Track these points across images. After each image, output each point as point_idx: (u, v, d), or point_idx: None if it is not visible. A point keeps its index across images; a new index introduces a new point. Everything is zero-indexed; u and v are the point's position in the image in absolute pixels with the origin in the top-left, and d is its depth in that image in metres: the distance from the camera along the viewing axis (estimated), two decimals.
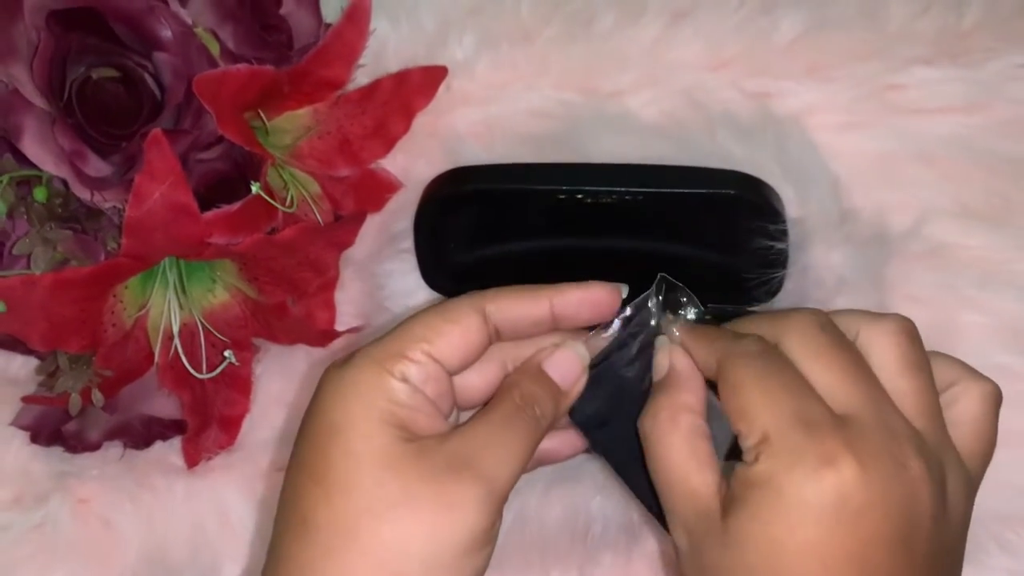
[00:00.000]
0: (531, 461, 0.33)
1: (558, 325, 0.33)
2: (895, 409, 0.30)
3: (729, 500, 0.29)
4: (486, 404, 0.33)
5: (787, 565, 0.28)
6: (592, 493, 0.42)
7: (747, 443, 0.29)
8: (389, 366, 0.31)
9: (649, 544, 0.42)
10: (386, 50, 0.48)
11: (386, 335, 0.32)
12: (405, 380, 0.31)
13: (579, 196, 0.40)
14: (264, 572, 0.31)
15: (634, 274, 0.44)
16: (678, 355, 0.33)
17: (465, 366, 0.33)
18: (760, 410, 0.29)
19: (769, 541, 0.28)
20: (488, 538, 0.30)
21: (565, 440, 0.36)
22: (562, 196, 0.41)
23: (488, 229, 0.44)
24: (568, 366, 0.33)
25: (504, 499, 0.30)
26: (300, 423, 0.32)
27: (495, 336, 0.33)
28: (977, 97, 0.46)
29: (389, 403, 0.30)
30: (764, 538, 0.28)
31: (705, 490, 0.30)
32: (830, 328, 0.31)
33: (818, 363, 0.30)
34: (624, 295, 0.34)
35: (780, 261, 0.41)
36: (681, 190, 0.40)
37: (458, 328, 0.32)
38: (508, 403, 0.32)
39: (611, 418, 0.34)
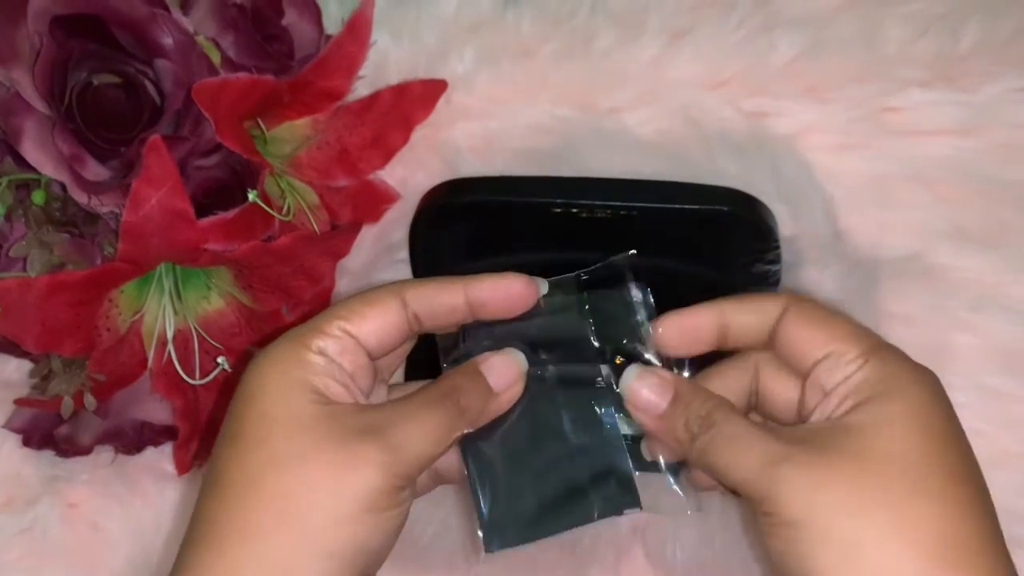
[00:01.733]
0: (431, 478, 0.35)
1: (476, 313, 0.34)
2: None
3: (847, 406, 0.31)
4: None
5: (923, 438, 0.30)
6: None
7: (847, 357, 0.32)
8: (306, 341, 0.32)
9: (637, 558, 0.42)
10: (387, 63, 0.49)
11: (311, 319, 0.34)
12: (321, 353, 0.32)
13: (574, 210, 0.41)
14: (184, 538, 0.32)
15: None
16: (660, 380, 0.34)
17: (383, 349, 0.34)
18: (857, 331, 0.32)
19: (905, 422, 0.30)
20: (390, 502, 0.31)
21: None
22: (557, 209, 0.41)
23: (483, 241, 0.44)
24: (504, 370, 0.34)
25: (410, 475, 0.31)
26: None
27: (415, 323, 0.34)
28: (973, 120, 0.46)
29: (304, 371, 0.32)
30: (898, 420, 0.30)
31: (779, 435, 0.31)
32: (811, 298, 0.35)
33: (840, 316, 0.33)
34: (544, 291, 0.35)
35: (773, 279, 0.41)
36: (675, 206, 0.40)
37: (375, 310, 0.33)
38: (434, 388, 0.33)
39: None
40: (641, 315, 0.35)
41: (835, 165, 0.46)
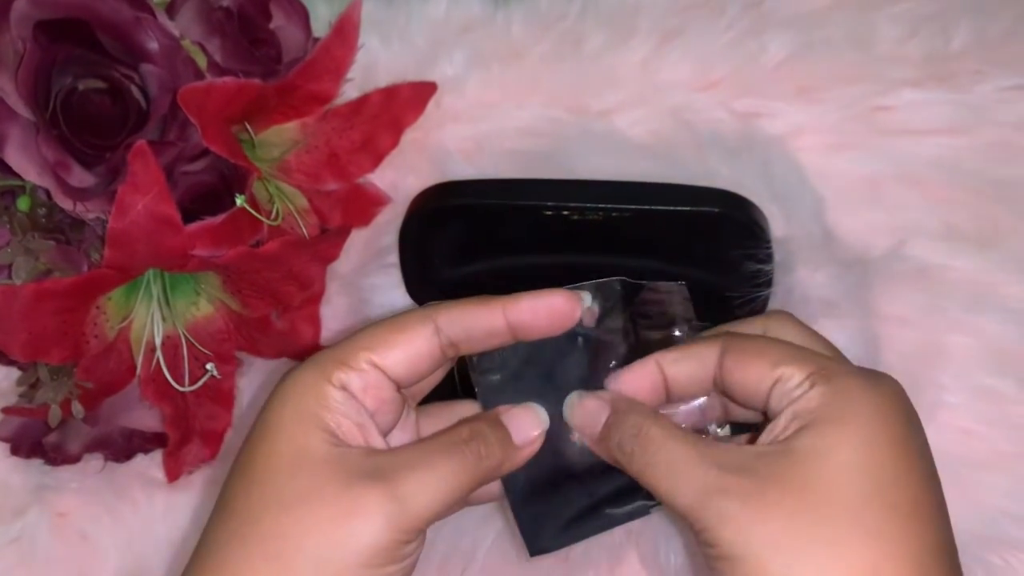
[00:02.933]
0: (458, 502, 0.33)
1: (517, 335, 0.33)
2: None
3: (792, 428, 0.30)
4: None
5: (866, 467, 0.29)
6: None
7: (794, 381, 0.30)
8: (329, 372, 0.31)
9: (632, 563, 0.42)
10: (376, 66, 0.48)
11: (339, 342, 0.32)
12: (344, 388, 0.31)
13: (565, 212, 0.40)
14: (193, 552, 0.32)
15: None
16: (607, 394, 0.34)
17: (414, 378, 0.33)
18: (802, 353, 0.31)
19: (850, 450, 0.29)
20: (391, 557, 0.29)
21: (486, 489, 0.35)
22: (548, 212, 0.41)
23: (473, 244, 0.44)
24: (527, 422, 0.33)
25: (419, 527, 0.30)
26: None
27: (450, 349, 0.33)
28: (964, 119, 0.46)
29: (320, 408, 0.31)
30: (843, 447, 0.29)
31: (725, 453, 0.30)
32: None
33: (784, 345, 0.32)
34: (587, 304, 0.33)
35: (765, 280, 0.41)
36: (667, 207, 0.40)
37: (405, 338, 0.32)
38: (453, 434, 0.32)
39: None
40: None
41: (827, 165, 0.46)
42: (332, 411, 0.31)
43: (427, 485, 0.30)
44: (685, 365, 0.33)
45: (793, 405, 0.30)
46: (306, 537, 0.29)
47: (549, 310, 0.32)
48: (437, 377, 0.35)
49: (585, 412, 0.33)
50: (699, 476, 0.29)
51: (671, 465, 0.30)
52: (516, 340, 0.33)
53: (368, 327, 0.32)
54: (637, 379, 0.33)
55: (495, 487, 0.34)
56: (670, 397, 0.34)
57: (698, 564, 0.41)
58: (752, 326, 0.34)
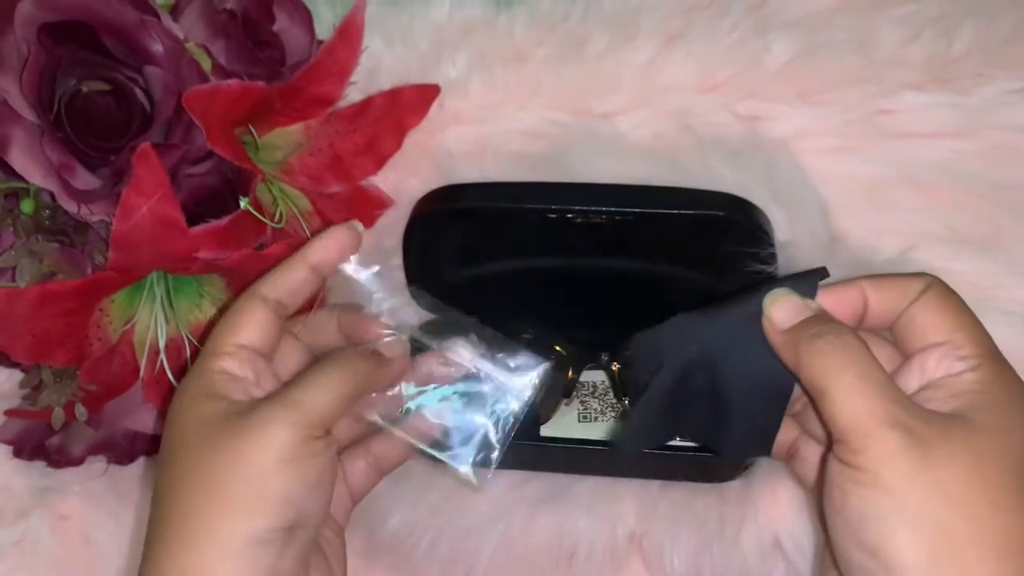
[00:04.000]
0: (369, 475, 0.40)
1: (322, 275, 0.39)
2: None
3: (962, 401, 0.31)
4: None
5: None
6: (577, 516, 0.42)
7: (963, 352, 0.31)
8: (207, 366, 0.36)
9: (635, 567, 0.42)
10: (380, 68, 0.48)
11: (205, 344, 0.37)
12: (223, 372, 0.36)
13: (569, 215, 0.40)
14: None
15: (622, 293, 0.44)
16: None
17: (274, 344, 0.38)
18: (982, 333, 0.32)
19: (1017, 430, 0.30)
20: (304, 452, 0.33)
21: (391, 446, 0.40)
22: (552, 215, 0.41)
23: (477, 247, 0.44)
24: (393, 346, 0.39)
25: (318, 424, 0.34)
26: None
27: (282, 308, 0.38)
28: (967, 123, 0.46)
29: (209, 386, 0.35)
30: (1017, 430, 0.30)
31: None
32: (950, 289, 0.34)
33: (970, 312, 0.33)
34: (360, 230, 0.39)
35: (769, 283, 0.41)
36: (670, 211, 0.40)
37: (244, 317, 0.37)
38: (334, 353, 0.37)
39: None
40: None
41: (829, 168, 0.46)
42: (218, 384, 0.35)
43: (315, 391, 0.35)
44: (888, 294, 0.34)
45: (955, 379, 0.31)
46: (223, 463, 0.33)
47: (336, 244, 0.39)
48: (305, 305, 0.40)
49: (788, 303, 0.34)
50: (881, 401, 0.30)
51: (861, 377, 0.30)
52: (323, 279, 0.39)
53: (221, 321, 0.37)
54: (841, 295, 0.34)
55: (405, 451, 0.40)
56: (859, 323, 0.34)
57: (716, 561, 0.41)
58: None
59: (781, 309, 0.34)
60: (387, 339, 0.39)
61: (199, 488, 0.33)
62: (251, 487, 0.32)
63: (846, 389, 0.30)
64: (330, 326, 0.40)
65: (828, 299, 0.34)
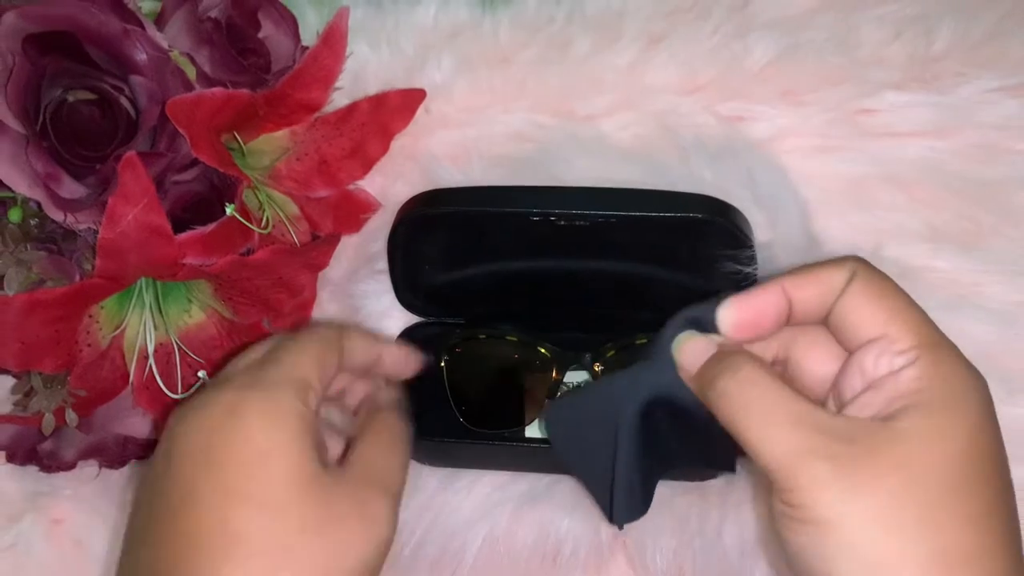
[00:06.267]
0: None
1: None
2: None
3: (896, 406, 0.29)
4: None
5: (969, 459, 0.29)
6: (562, 515, 0.42)
7: (899, 346, 0.30)
8: (303, 395, 0.33)
9: (619, 564, 0.42)
10: (366, 73, 0.49)
11: (280, 360, 0.34)
12: (315, 409, 0.34)
13: (551, 219, 0.41)
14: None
15: (605, 294, 0.45)
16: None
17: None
18: (917, 317, 0.30)
19: (954, 439, 0.29)
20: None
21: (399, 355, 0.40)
22: (535, 218, 0.41)
23: (461, 250, 0.44)
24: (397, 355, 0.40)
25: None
26: (208, 442, 0.32)
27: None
28: (947, 121, 0.46)
29: (306, 429, 0.33)
30: (948, 436, 0.29)
31: (823, 415, 0.30)
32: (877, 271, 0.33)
33: (902, 295, 0.32)
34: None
35: (749, 283, 0.41)
36: (652, 214, 0.40)
37: (332, 359, 0.36)
38: (380, 422, 0.37)
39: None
40: None
41: (810, 168, 0.46)
42: (314, 431, 0.33)
43: (396, 469, 0.35)
44: (810, 291, 0.32)
45: (896, 378, 0.30)
46: (342, 556, 0.32)
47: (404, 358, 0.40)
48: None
49: (692, 347, 0.33)
50: (797, 433, 0.29)
51: (768, 415, 0.29)
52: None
53: (301, 346, 0.35)
54: (760, 300, 0.32)
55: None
56: (790, 322, 0.33)
57: (697, 558, 0.41)
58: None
59: (685, 355, 0.33)
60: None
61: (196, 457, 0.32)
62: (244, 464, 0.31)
63: (758, 430, 0.29)
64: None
65: (747, 307, 0.32)
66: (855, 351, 0.31)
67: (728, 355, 0.32)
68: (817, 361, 0.33)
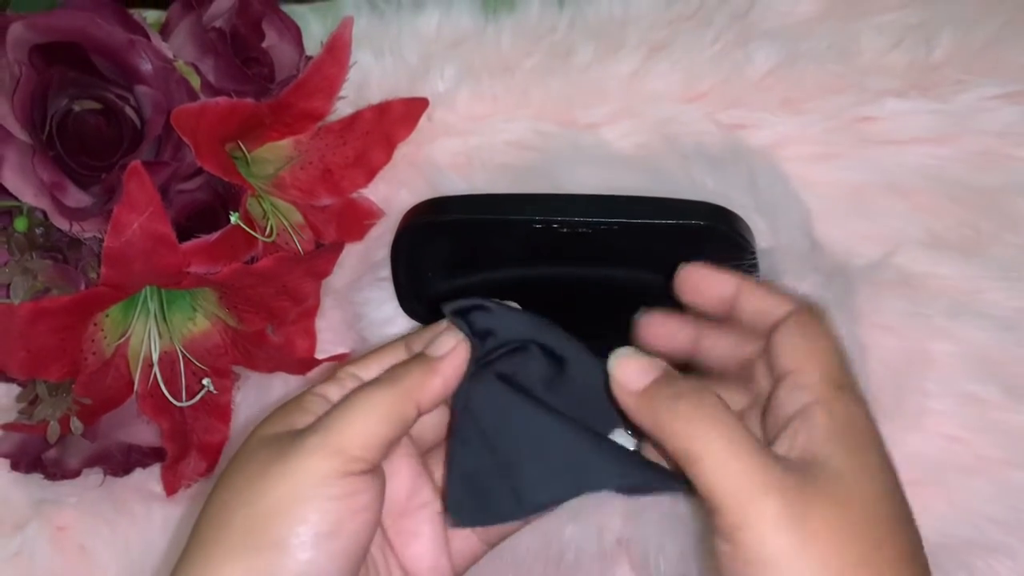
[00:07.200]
0: (471, 542, 0.35)
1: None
2: None
3: (820, 442, 0.30)
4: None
5: (896, 483, 0.30)
6: (565, 521, 0.42)
7: (804, 379, 0.31)
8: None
9: (623, 570, 0.42)
10: (369, 82, 0.49)
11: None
12: (319, 395, 0.33)
13: (554, 226, 0.41)
14: None
15: (606, 301, 0.45)
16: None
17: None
18: (831, 357, 0.32)
19: (876, 476, 0.30)
20: (342, 488, 0.30)
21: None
22: (537, 226, 0.41)
23: (464, 258, 0.44)
24: (443, 339, 0.34)
25: (358, 454, 0.31)
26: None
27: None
28: (948, 129, 0.46)
29: (298, 402, 0.33)
30: (874, 473, 0.30)
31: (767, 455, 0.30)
32: (820, 315, 0.34)
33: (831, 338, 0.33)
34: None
35: None
36: (653, 221, 0.40)
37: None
38: (377, 377, 0.34)
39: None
40: None
41: (811, 175, 0.46)
42: (302, 409, 0.33)
43: (353, 418, 0.31)
44: (760, 301, 0.34)
45: (808, 420, 0.30)
46: (255, 496, 0.30)
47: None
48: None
49: (634, 366, 0.33)
50: (756, 466, 0.29)
51: (731, 441, 0.29)
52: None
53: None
54: (723, 280, 0.35)
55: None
56: (728, 313, 0.35)
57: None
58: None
59: (628, 370, 0.33)
60: (440, 334, 0.34)
61: (211, 520, 0.31)
62: (253, 529, 0.30)
63: (718, 455, 0.29)
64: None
65: (697, 275, 0.35)
66: (776, 382, 0.32)
67: (685, 378, 0.32)
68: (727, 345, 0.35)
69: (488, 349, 0.34)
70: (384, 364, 0.34)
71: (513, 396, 0.34)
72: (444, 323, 0.35)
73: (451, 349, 0.34)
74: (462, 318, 0.34)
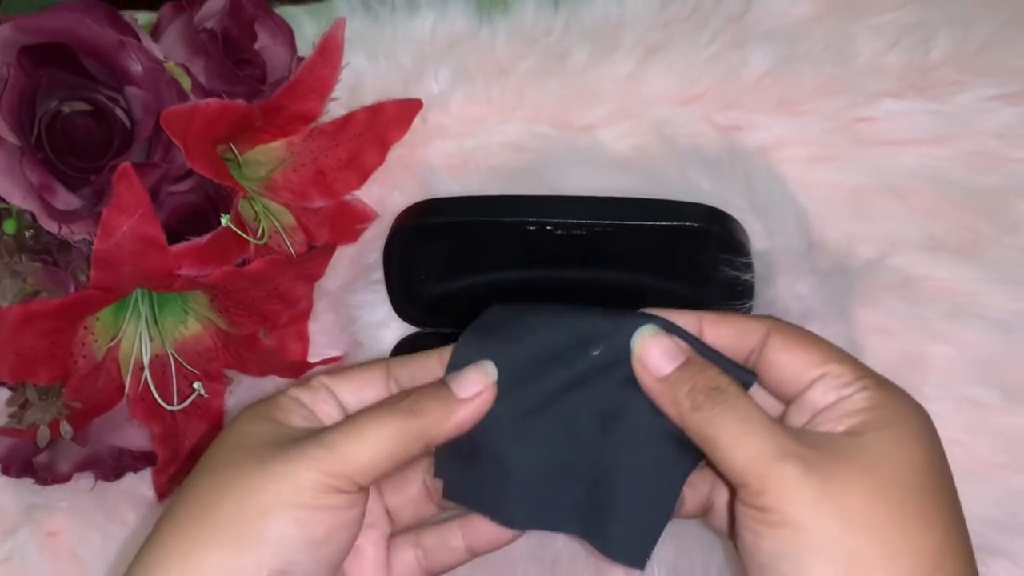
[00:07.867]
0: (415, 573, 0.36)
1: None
2: None
3: (853, 421, 0.30)
4: None
5: (927, 465, 0.30)
6: None
7: (844, 379, 0.32)
8: (285, 391, 0.34)
9: (617, 573, 0.42)
10: (363, 84, 0.49)
11: (339, 436, 0.32)
12: (296, 399, 0.34)
13: (548, 228, 0.41)
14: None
15: (601, 303, 0.44)
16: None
17: (358, 403, 0.34)
18: (850, 357, 0.32)
19: (912, 447, 0.30)
20: (325, 502, 0.30)
21: (443, 542, 0.37)
22: (531, 228, 0.41)
23: (457, 260, 0.44)
24: (471, 378, 0.34)
25: (347, 476, 0.31)
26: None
27: (395, 385, 0.35)
28: (945, 130, 0.46)
29: (270, 409, 0.33)
30: (907, 444, 0.30)
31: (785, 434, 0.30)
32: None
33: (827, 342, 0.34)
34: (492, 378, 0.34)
35: (746, 293, 0.41)
36: (648, 223, 0.40)
37: (358, 372, 0.35)
38: (393, 397, 0.34)
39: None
40: None
41: (808, 177, 0.46)
42: (282, 409, 0.33)
43: (357, 438, 0.31)
44: (726, 330, 0.34)
45: (845, 402, 0.31)
46: (233, 494, 0.30)
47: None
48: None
49: (660, 349, 0.33)
50: (773, 438, 0.30)
51: (745, 420, 0.30)
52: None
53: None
54: (675, 318, 0.34)
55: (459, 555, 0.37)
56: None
57: (696, 568, 0.41)
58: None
59: (653, 353, 0.33)
60: (465, 370, 0.34)
61: (193, 510, 0.31)
62: (243, 523, 0.30)
63: (733, 433, 0.30)
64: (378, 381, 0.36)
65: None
66: (796, 396, 0.33)
67: (702, 365, 0.33)
68: (794, 366, 0.34)
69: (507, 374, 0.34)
70: (359, 387, 0.35)
71: (512, 420, 0.34)
72: (434, 354, 0.35)
73: (477, 394, 0.33)
74: (483, 343, 0.35)
